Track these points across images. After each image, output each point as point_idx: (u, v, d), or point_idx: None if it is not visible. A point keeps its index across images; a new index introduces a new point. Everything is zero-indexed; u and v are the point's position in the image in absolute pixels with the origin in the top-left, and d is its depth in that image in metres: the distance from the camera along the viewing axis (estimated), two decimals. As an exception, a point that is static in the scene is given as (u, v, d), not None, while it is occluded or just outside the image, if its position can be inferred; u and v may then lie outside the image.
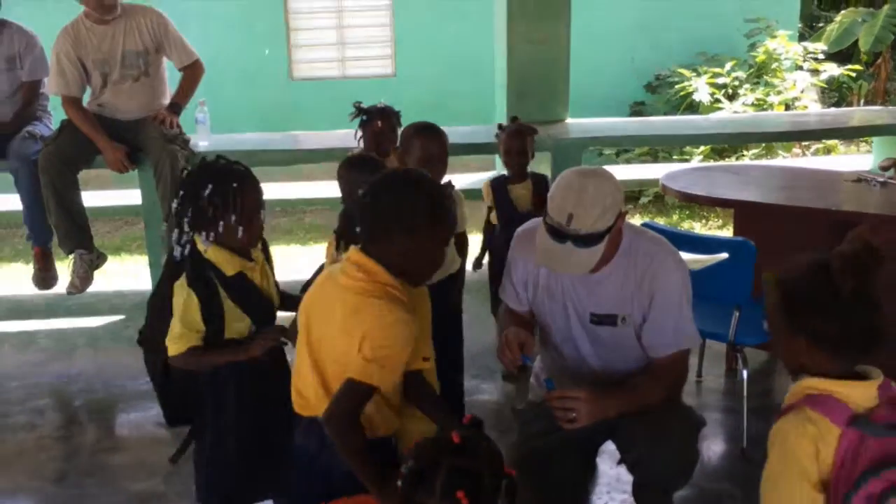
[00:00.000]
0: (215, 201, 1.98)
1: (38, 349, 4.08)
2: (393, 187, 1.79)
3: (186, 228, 2.01)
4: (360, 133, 3.31)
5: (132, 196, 4.40)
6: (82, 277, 3.99)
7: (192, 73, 4.16)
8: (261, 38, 9.34)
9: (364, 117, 3.30)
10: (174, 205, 2.04)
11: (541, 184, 3.39)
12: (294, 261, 5.49)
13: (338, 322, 1.74)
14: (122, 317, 4.44)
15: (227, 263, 2.04)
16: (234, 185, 1.99)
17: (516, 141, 3.42)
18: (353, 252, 1.79)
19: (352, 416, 1.72)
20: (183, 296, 2.01)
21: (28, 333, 4.26)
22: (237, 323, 2.08)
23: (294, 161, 4.55)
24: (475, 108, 7.90)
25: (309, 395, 1.82)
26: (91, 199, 4.28)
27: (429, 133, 2.85)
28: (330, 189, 5.74)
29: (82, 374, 3.75)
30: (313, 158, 4.62)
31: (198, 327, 2.02)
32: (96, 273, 4.12)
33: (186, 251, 2.03)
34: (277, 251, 5.64)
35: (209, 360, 2.06)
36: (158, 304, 2.15)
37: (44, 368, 3.83)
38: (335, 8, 9.50)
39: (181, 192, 2.02)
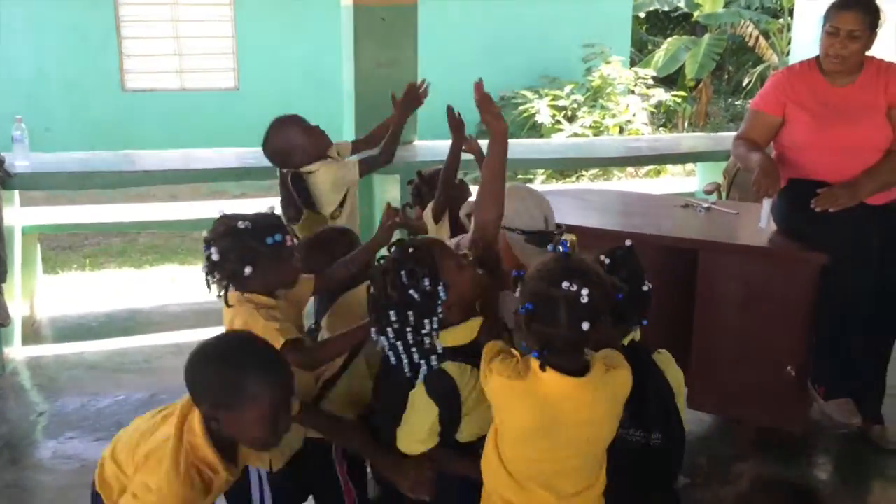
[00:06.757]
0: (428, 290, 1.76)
1: None
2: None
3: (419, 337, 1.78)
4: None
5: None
6: None
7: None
8: (90, 45, 8.76)
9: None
10: (389, 335, 1.78)
11: None
12: (128, 285, 5.18)
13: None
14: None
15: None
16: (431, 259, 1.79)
17: None
18: (197, 421, 1.60)
19: None
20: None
21: None
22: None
23: (129, 184, 4.23)
24: (322, 126, 7.77)
25: None
26: None
27: None
28: (168, 210, 5.50)
29: None
30: (150, 181, 4.32)
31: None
32: None
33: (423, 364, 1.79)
34: (110, 275, 5.42)
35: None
36: None
37: None
38: (171, 17, 9.07)
39: (390, 313, 1.76)
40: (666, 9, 12.31)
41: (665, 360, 1.90)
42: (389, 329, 1.77)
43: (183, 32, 9.15)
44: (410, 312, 1.74)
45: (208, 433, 1.58)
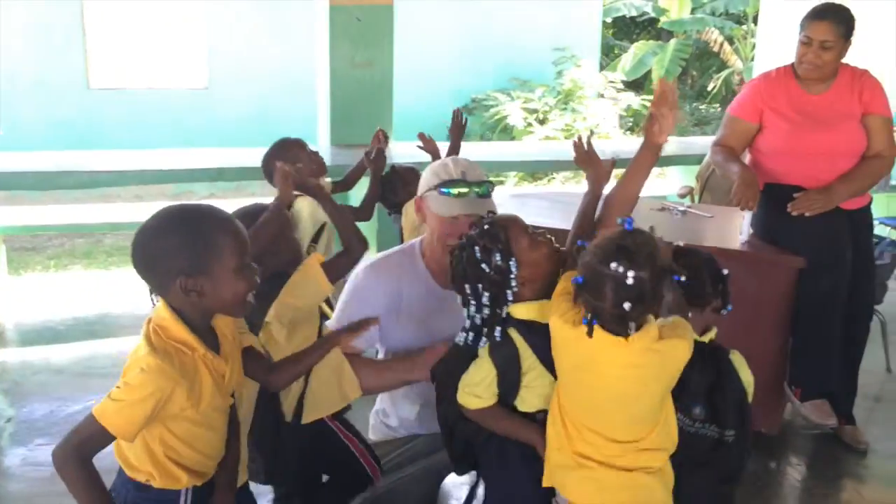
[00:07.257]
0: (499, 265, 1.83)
1: None
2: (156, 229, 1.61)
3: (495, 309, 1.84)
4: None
5: None
6: None
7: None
8: (55, 41, 8.58)
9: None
10: (470, 306, 1.86)
11: None
12: (94, 287, 5.07)
13: None
14: None
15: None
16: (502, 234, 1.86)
17: None
18: (161, 305, 1.62)
19: (79, 451, 1.57)
20: None
21: None
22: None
23: (100, 184, 4.16)
24: (297, 127, 7.68)
25: None
26: None
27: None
28: (134, 211, 5.39)
29: None
30: (119, 182, 4.25)
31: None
32: None
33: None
34: (75, 276, 5.30)
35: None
36: None
37: None
38: (139, 13, 8.93)
39: (465, 286, 1.84)
40: (633, 14, 12.45)
41: (739, 360, 1.95)
42: (469, 301, 1.86)
43: (151, 29, 9.00)
44: (481, 286, 1.83)
45: (177, 315, 1.58)
